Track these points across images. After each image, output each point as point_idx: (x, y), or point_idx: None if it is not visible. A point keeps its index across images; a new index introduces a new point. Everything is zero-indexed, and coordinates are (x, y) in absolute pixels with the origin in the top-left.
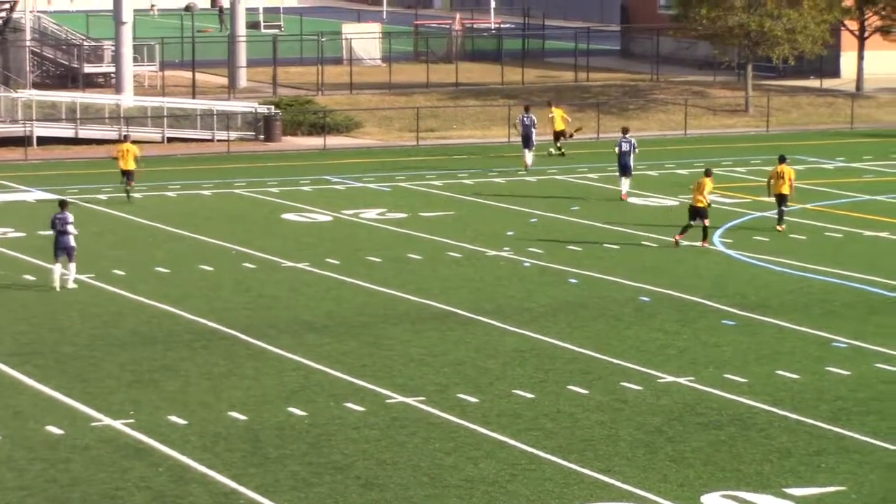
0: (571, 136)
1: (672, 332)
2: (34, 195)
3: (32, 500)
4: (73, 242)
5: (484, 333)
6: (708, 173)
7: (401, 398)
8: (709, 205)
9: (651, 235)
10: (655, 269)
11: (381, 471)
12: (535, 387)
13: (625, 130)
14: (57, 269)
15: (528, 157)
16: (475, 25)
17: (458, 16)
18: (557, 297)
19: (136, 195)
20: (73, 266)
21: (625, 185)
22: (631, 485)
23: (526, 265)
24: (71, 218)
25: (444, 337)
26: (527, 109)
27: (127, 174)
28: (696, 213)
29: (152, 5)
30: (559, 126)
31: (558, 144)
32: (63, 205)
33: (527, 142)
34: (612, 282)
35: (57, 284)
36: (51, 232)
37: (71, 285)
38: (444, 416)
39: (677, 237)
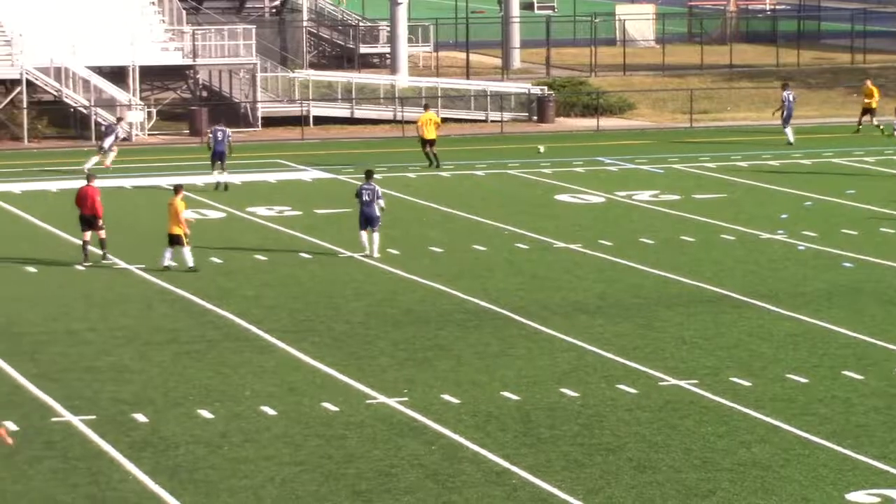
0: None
1: None
2: (310, 174)
3: (308, 476)
4: (377, 213)
5: (757, 317)
6: None
7: (673, 381)
8: None
9: None
10: None
11: (653, 453)
12: (809, 371)
13: None
14: (364, 236)
15: (789, 133)
16: (750, 6)
17: None
18: (832, 281)
19: (411, 175)
20: (376, 235)
21: None
22: None
23: (800, 248)
24: (379, 190)
25: (717, 320)
26: (784, 87)
27: (429, 143)
28: None
29: None
30: (874, 104)
31: (875, 121)
32: (369, 175)
33: (787, 119)
34: (888, 266)
35: (367, 251)
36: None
37: (375, 255)
38: (716, 400)
39: None
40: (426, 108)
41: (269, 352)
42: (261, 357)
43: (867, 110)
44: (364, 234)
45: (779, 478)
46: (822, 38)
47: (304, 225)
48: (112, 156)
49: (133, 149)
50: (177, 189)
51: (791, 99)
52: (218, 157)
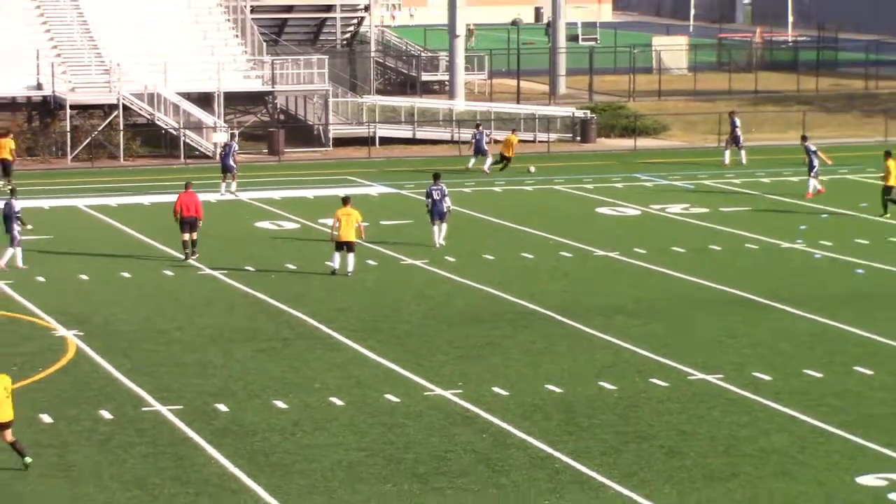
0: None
1: None
2: (376, 189)
3: (372, 460)
4: (445, 209)
5: (778, 318)
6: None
7: (701, 375)
8: None
9: None
10: None
11: (682, 440)
12: (824, 367)
13: None
14: (435, 230)
15: (727, 156)
16: (774, 38)
17: (758, 29)
18: (846, 286)
19: (467, 190)
20: (444, 227)
21: None
22: None
23: (817, 257)
24: (446, 189)
25: (742, 321)
26: (731, 114)
27: (507, 160)
28: None
29: (471, 29)
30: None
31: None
32: (437, 177)
33: (736, 141)
34: None
35: (437, 243)
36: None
37: (441, 242)
38: (740, 393)
39: None
40: (513, 131)
41: (339, 349)
42: (331, 354)
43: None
44: (435, 228)
45: (796, 463)
46: (839, 66)
47: (371, 235)
48: (489, 161)
49: (217, 166)
50: (346, 200)
51: (738, 124)
52: (226, 169)
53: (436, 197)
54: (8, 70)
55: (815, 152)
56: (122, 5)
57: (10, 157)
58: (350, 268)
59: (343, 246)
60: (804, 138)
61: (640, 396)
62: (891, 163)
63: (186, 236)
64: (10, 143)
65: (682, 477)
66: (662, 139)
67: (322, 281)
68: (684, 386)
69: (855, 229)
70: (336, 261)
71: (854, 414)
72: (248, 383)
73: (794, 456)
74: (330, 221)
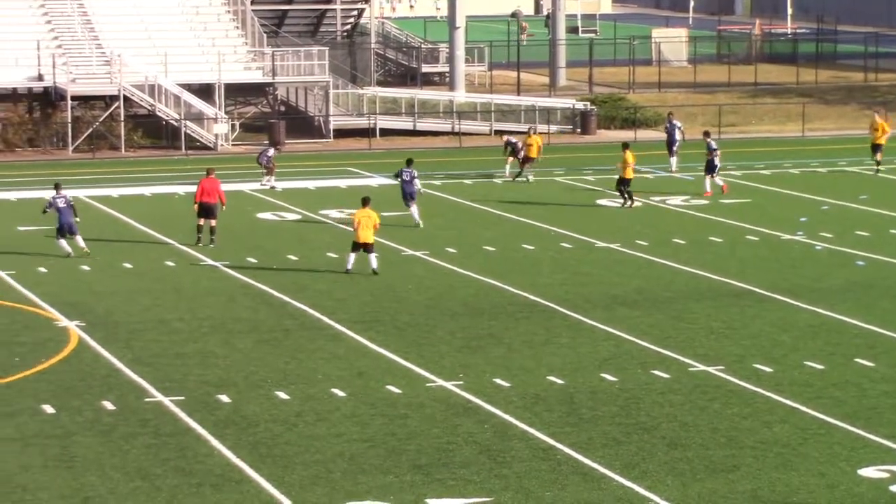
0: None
1: None
2: (376, 180)
3: (374, 451)
4: (414, 189)
5: (778, 310)
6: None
7: (702, 367)
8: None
9: None
10: None
11: (683, 432)
12: (825, 359)
13: None
14: (413, 210)
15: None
16: (773, 30)
17: (758, 21)
18: (846, 277)
19: (468, 182)
20: (415, 208)
21: None
22: None
23: (817, 248)
24: (416, 172)
25: (742, 312)
26: (669, 115)
27: (528, 160)
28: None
29: (524, 26)
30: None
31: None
32: (409, 162)
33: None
34: None
35: (418, 222)
36: (396, 181)
37: (417, 220)
38: (741, 384)
39: None
40: (530, 131)
41: (340, 340)
42: (332, 344)
43: (876, 146)
44: (413, 209)
45: (797, 455)
46: (838, 58)
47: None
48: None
49: (218, 157)
50: (366, 201)
51: (679, 127)
52: (266, 168)
53: (405, 178)
54: (9, 61)
55: (715, 150)
56: None
57: None
58: (374, 265)
59: (360, 247)
60: (706, 134)
61: (641, 388)
62: (628, 154)
63: (202, 221)
64: None
65: (683, 468)
66: (662, 131)
67: (323, 272)
68: (686, 377)
69: (855, 221)
70: (351, 261)
71: (855, 405)
72: (250, 374)
73: (796, 447)
74: (331, 213)
